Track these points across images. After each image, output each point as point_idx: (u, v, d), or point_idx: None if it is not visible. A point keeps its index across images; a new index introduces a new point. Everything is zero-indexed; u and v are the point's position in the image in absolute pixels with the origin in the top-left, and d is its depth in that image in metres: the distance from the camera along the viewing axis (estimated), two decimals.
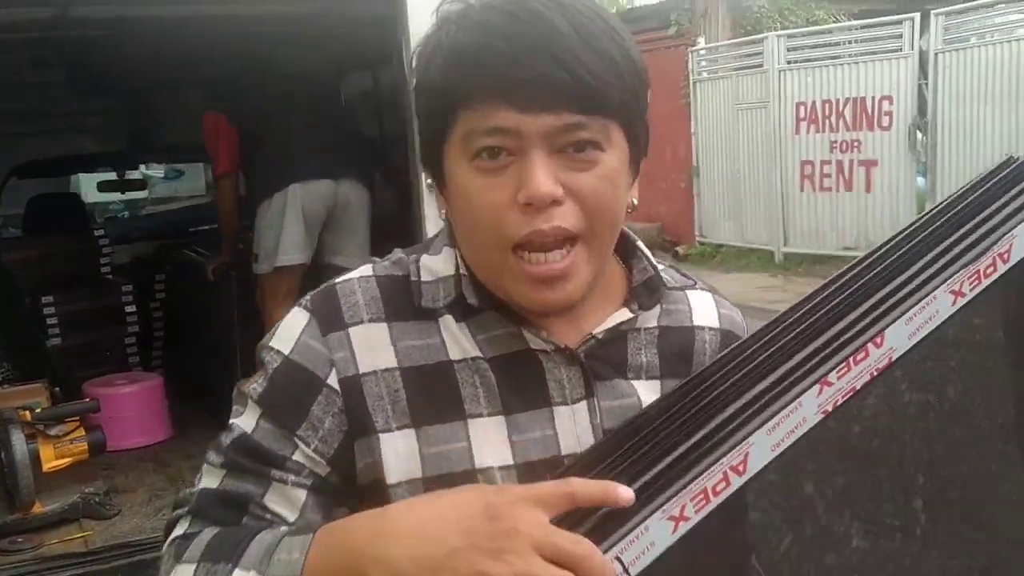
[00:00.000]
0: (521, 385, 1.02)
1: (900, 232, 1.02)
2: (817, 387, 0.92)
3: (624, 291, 1.10)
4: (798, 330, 0.96)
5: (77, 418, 3.66)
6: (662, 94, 12.27)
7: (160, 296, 5.71)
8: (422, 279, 1.05)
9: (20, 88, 5.45)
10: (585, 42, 0.91)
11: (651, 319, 1.11)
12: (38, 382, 3.93)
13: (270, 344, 1.03)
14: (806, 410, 0.91)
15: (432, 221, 3.23)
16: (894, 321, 0.94)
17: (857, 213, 10.33)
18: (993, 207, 1.01)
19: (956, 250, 0.99)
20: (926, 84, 9.74)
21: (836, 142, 10.41)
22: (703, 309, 1.16)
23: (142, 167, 8.39)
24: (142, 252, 5.99)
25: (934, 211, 1.03)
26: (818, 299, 0.98)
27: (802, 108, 10.62)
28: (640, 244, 1.12)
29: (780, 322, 0.97)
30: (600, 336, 1.05)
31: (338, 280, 1.06)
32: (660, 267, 1.13)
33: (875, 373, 0.94)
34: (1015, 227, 1.00)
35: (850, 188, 10.35)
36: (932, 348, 0.99)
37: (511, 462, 1.00)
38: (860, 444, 0.99)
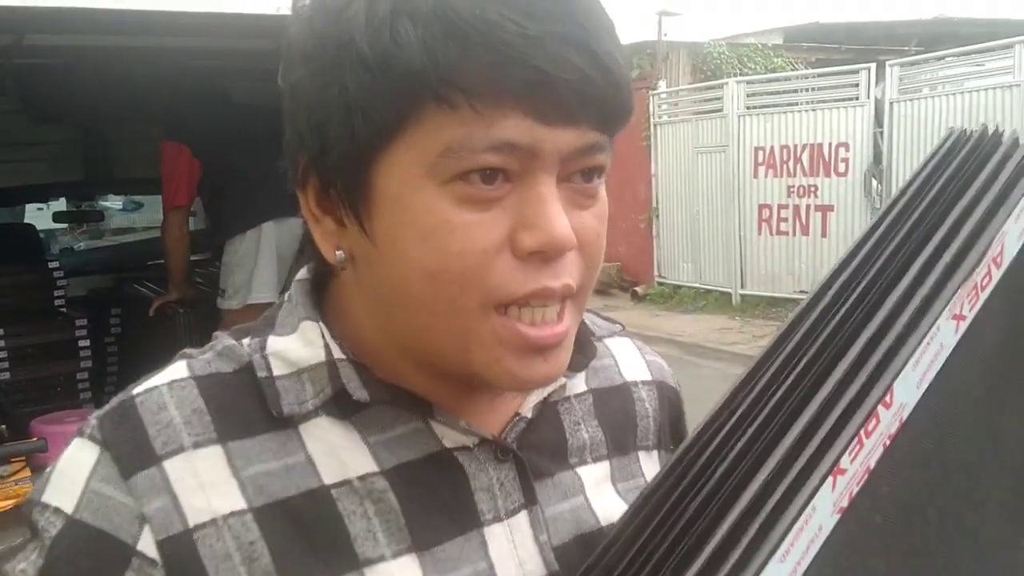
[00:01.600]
0: (437, 504, 0.73)
1: (863, 242, 0.77)
2: (830, 481, 0.65)
3: None
4: (780, 394, 0.70)
5: (23, 458, 3.56)
6: (623, 136, 12.22)
7: (115, 331, 5.61)
8: (275, 373, 0.73)
9: None
10: (611, 33, 0.66)
11: (579, 383, 0.85)
12: None
13: (42, 500, 0.69)
14: (821, 515, 0.64)
15: None
16: (900, 369, 0.68)
17: (813, 257, 10.46)
18: (966, 199, 0.78)
19: (944, 260, 0.74)
20: (881, 132, 9.94)
21: (793, 187, 10.57)
22: (629, 359, 0.92)
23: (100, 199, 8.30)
24: (98, 285, 5.90)
25: (895, 209, 0.79)
26: (792, 344, 0.73)
27: (760, 153, 10.78)
28: None
29: (753, 381, 0.71)
30: (530, 415, 0.79)
31: (136, 391, 0.72)
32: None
33: (887, 443, 0.68)
34: (1003, 221, 0.76)
35: (806, 232, 10.50)
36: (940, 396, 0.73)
37: None
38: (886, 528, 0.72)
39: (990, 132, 0.82)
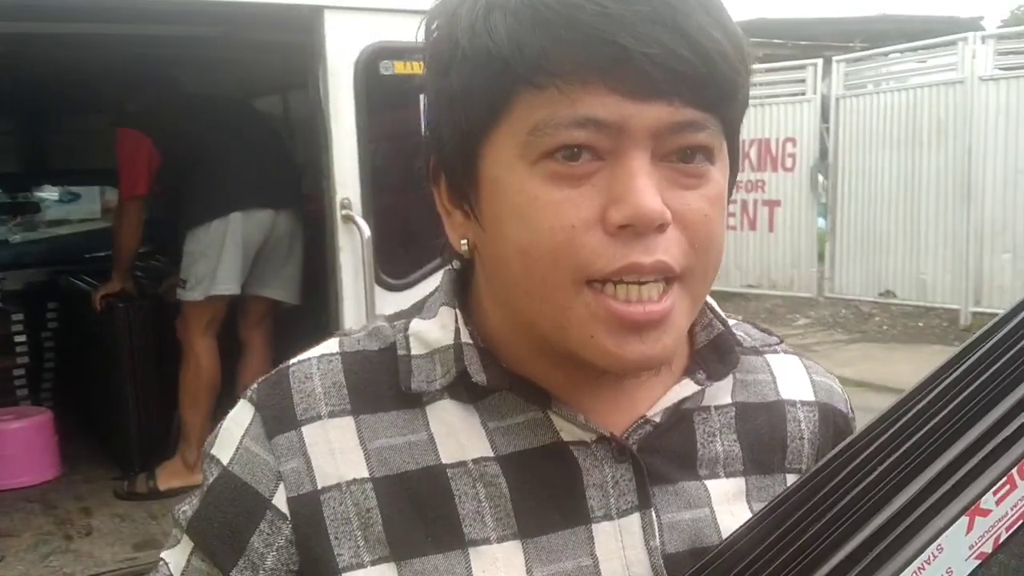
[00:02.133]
0: (547, 494, 0.74)
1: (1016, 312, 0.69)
2: (965, 520, 0.59)
3: (685, 356, 0.82)
4: (928, 426, 0.64)
5: None
6: None
7: (52, 326, 5.46)
8: (412, 352, 0.78)
9: None
10: (710, 15, 0.66)
11: (723, 394, 0.83)
12: None
13: (211, 451, 0.79)
14: (951, 556, 0.59)
15: (349, 253, 3.12)
16: None
17: (760, 252, 10.56)
18: None
19: None
20: (827, 128, 10.04)
21: (741, 182, 10.62)
22: (791, 378, 0.88)
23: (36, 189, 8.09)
24: (34, 279, 5.74)
25: None
26: (954, 374, 0.66)
27: None
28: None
29: (903, 408, 0.66)
30: (658, 420, 0.77)
31: (293, 361, 0.80)
32: (732, 322, 0.86)
33: None
34: None
35: (754, 227, 10.59)
36: None
37: None
38: None
39: None
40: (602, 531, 0.74)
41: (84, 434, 4.66)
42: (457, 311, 0.78)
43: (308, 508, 0.73)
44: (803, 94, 10.16)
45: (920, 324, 9.15)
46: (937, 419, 0.64)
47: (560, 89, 0.64)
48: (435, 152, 0.75)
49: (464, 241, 0.75)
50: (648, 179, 0.65)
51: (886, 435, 0.65)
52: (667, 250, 0.66)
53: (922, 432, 0.64)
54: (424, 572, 0.72)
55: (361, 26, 3.12)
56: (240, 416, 0.78)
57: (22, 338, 4.93)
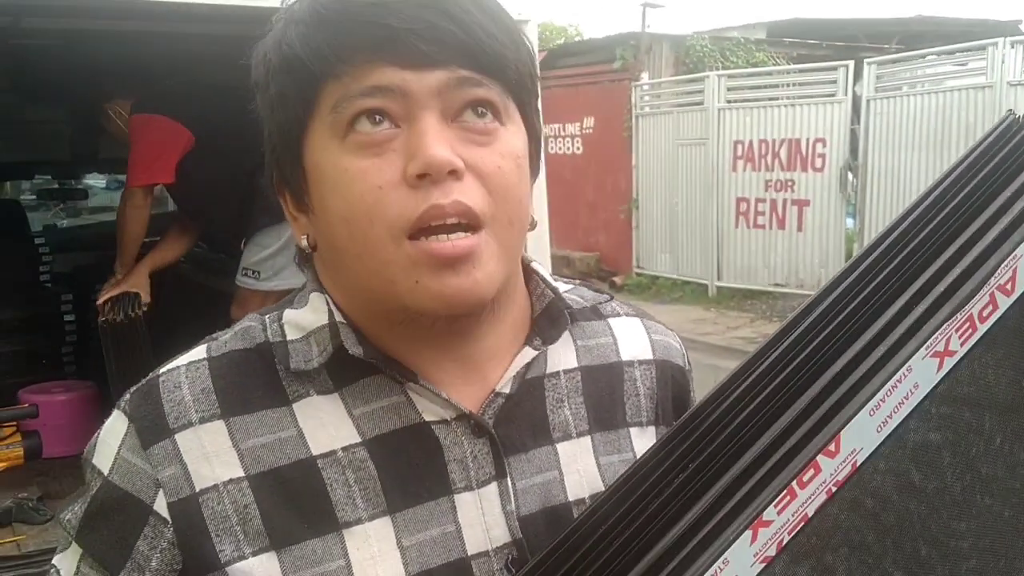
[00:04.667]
0: (412, 471, 0.82)
1: (846, 272, 0.73)
2: (748, 534, 0.65)
3: (526, 327, 0.90)
4: (722, 437, 0.69)
5: (14, 423, 3.67)
6: (605, 126, 12.50)
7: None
8: (288, 338, 0.84)
9: None
10: (475, 2, 0.78)
11: (569, 359, 0.92)
12: None
13: (91, 460, 0.84)
14: (737, 566, 0.65)
15: None
16: (851, 418, 0.66)
17: (788, 251, 10.60)
18: (988, 213, 0.70)
19: (938, 289, 0.68)
20: (858, 129, 10.06)
21: (771, 181, 10.69)
22: (631, 339, 0.97)
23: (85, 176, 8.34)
24: (82, 262, 5.96)
25: (895, 232, 0.73)
26: (741, 387, 0.70)
27: (739, 147, 10.89)
28: (536, 264, 0.93)
29: (705, 412, 0.71)
30: (507, 391, 0.86)
31: (162, 370, 0.85)
32: (566, 287, 0.95)
33: (835, 487, 0.66)
34: (1017, 243, 0.69)
35: (782, 226, 10.63)
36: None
37: (403, 575, 0.80)
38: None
39: None
40: (463, 501, 0.82)
41: None
42: (327, 296, 0.85)
43: (188, 511, 0.79)
44: (834, 95, 10.19)
45: None
46: (724, 435, 0.69)
47: (350, 74, 0.75)
48: (274, 163, 0.84)
49: (305, 236, 0.84)
50: (437, 134, 0.75)
51: (676, 454, 0.70)
52: (463, 192, 0.75)
53: (711, 449, 0.69)
54: (303, 556, 0.79)
55: None
56: (115, 427, 0.83)
57: (71, 317, 5.14)
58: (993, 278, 0.68)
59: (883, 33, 13.99)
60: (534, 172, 0.85)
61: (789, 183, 10.54)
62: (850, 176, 10.12)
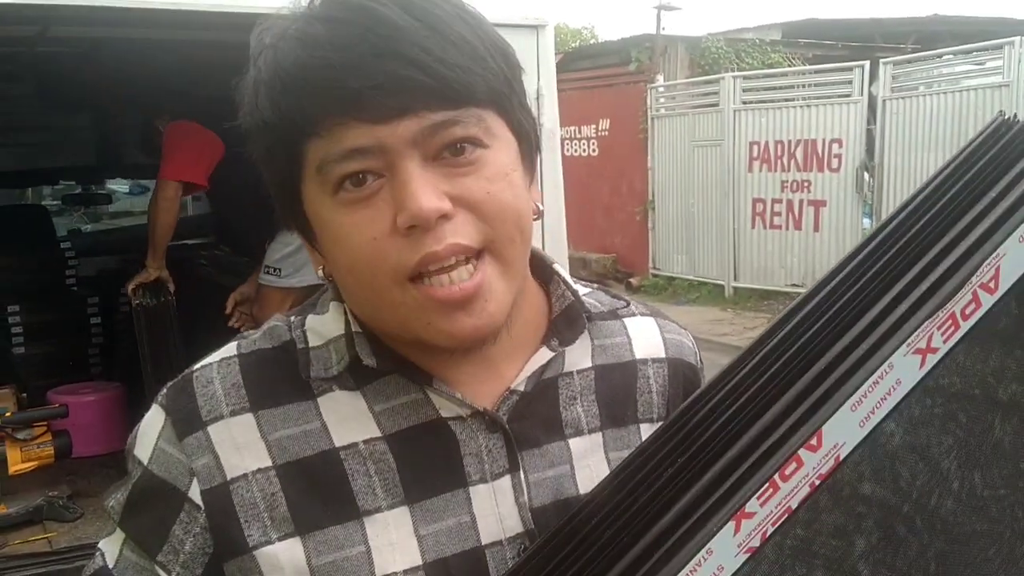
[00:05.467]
0: (429, 464, 0.86)
1: (834, 272, 0.75)
2: (731, 525, 0.67)
3: (544, 328, 0.93)
4: (708, 434, 0.72)
5: (44, 423, 3.76)
6: (621, 128, 12.54)
7: (125, 309, 5.76)
8: (310, 344, 0.89)
9: None
10: (431, 29, 0.76)
11: (583, 359, 0.94)
12: (6, 387, 4.00)
13: (133, 451, 0.89)
14: (721, 556, 0.67)
15: None
16: (832, 413, 0.68)
17: (805, 251, 10.60)
18: (976, 210, 0.72)
19: (916, 293, 0.71)
20: (874, 129, 10.06)
21: (787, 182, 10.69)
22: (645, 338, 0.99)
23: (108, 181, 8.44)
24: (108, 265, 6.05)
25: (883, 232, 0.75)
26: (729, 384, 0.73)
27: (755, 147, 10.90)
28: (557, 266, 0.95)
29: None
30: (523, 389, 0.89)
31: (196, 367, 0.90)
32: (585, 290, 0.98)
33: (819, 480, 0.68)
34: (1000, 242, 0.70)
35: (799, 227, 10.63)
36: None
37: (419, 562, 0.84)
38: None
39: None
40: (478, 492, 0.86)
41: None
42: (346, 306, 0.88)
43: (219, 498, 0.84)
44: (849, 95, 10.20)
45: None
46: (712, 430, 0.72)
47: (324, 136, 0.76)
48: (279, 207, 0.87)
49: (321, 268, 0.87)
50: (420, 181, 0.75)
51: (666, 448, 0.73)
52: (456, 232, 0.77)
53: (699, 443, 0.72)
54: (326, 542, 0.83)
55: None
56: (153, 420, 0.88)
57: (96, 320, 5.23)
58: (975, 276, 0.70)
59: (899, 33, 13.94)
60: (531, 167, 0.86)
61: (805, 183, 10.54)
62: (866, 176, 10.11)
